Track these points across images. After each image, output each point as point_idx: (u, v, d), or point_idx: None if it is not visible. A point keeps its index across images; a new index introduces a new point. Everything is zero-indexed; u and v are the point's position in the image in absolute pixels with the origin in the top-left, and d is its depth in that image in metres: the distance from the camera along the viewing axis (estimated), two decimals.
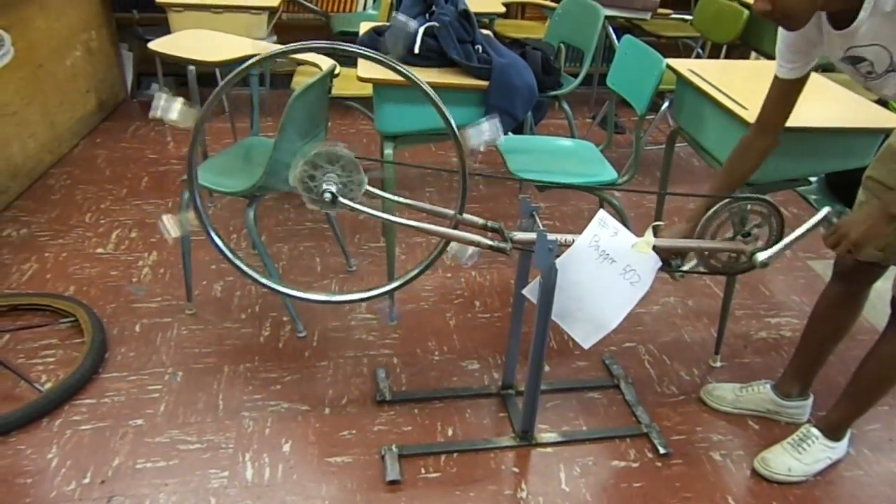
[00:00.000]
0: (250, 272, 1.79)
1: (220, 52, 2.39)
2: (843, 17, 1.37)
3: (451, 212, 1.68)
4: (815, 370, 1.95)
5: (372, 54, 1.53)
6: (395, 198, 1.78)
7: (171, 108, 1.53)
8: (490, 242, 1.62)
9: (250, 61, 1.51)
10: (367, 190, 1.60)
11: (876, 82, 1.42)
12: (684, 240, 1.73)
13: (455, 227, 1.67)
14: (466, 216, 1.67)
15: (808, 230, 1.62)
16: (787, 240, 1.64)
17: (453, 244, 1.70)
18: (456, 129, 1.56)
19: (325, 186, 1.54)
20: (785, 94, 1.61)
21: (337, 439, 1.88)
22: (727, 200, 1.68)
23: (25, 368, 2.04)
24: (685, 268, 1.77)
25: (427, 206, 1.75)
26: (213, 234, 1.74)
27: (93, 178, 3.19)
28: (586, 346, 1.64)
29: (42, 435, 1.83)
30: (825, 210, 1.59)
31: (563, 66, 2.97)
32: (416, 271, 1.78)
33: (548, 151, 2.53)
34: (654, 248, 1.62)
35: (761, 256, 1.66)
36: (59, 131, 3.33)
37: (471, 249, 1.70)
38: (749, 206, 1.71)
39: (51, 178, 3.17)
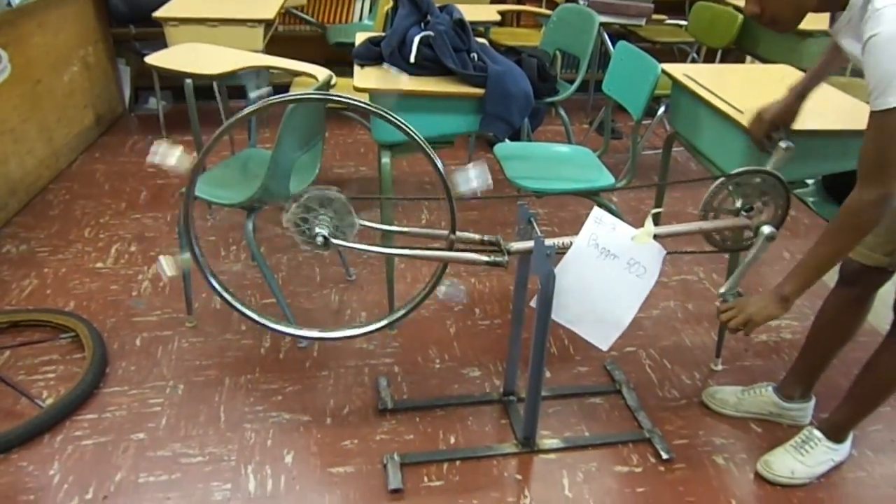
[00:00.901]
0: (250, 313, 1.82)
1: (217, 65, 2.40)
2: (833, 18, 1.43)
3: (446, 232, 1.69)
4: (818, 373, 1.95)
5: (364, 105, 1.56)
6: (390, 228, 1.81)
7: (170, 154, 1.56)
8: (486, 259, 1.63)
9: (248, 109, 1.55)
10: (361, 225, 1.62)
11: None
12: (687, 224, 1.72)
13: (451, 248, 1.68)
14: (462, 234, 1.68)
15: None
16: (740, 269, 1.69)
17: (441, 288, 1.72)
18: (443, 171, 1.58)
19: (316, 230, 1.57)
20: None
21: (339, 449, 1.87)
22: (724, 178, 1.68)
23: (26, 385, 2.04)
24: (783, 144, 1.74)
25: (421, 230, 1.78)
26: (211, 279, 1.77)
27: (92, 192, 3.20)
28: (605, 347, 1.64)
29: (44, 451, 1.83)
30: (725, 289, 1.67)
31: (559, 73, 2.98)
32: (416, 301, 1.80)
33: (545, 158, 2.54)
34: (656, 238, 1.60)
35: (767, 230, 1.65)
36: (57, 147, 3.34)
37: (462, 287, 1.73)
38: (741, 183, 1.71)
39: (49, 193, 3.17)
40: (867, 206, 1.38)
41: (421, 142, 1.56)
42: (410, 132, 1.55)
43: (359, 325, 1.86)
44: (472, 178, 1.56)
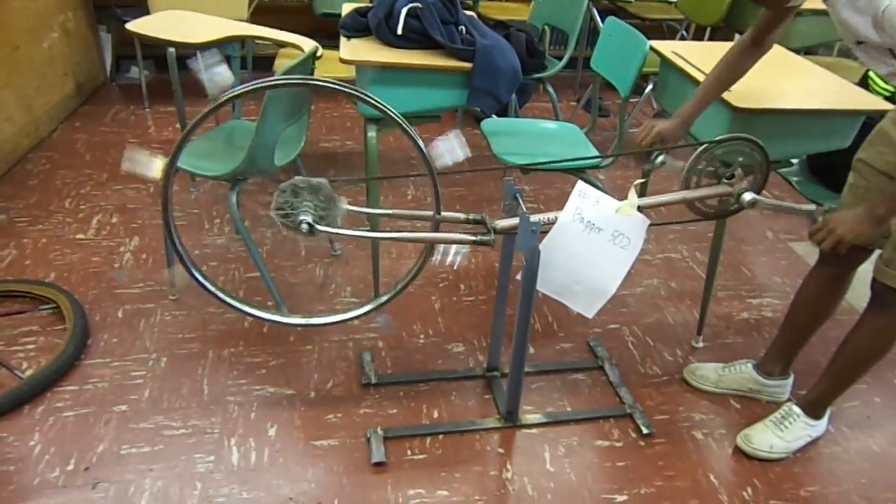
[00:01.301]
0: (239, 305, 1.84)
1: (201, 33, 2.35)
2: None
3: (430, 213, 1.68)
4: (797, 350, 1.98)
5: (346, 88, 1.54)
6: (375, 211, 1.80)
7: (149, 166, 1.56)
8: (473, 238, 1.63)
9: (222, 99, 1.53)
10: (347, 209, 1.62)
11: (862, 49, 1.47)
12: (670, 193, 1.73)
13: (436, 228, 1.68)
14: (447, 214, 1.67)
15: (792, 209, 1.67)
16: (775, 203, 1.70)
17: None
18: (425, 150, 1.58)
19: (300, 217, 1.57)
20: (778, 18, 1.65)
21: (322, 423, 1.88)
22: (705, 146, 1.69)
23: (6, 356, 2.02)
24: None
25: (406, 212, 1.77)
26: (198, 275, 1.79)
27: (72, 162, 3.14)
28: (590, 315, 1.66)
29: (24, 422, 1.82)
30: (812, 207, 1.65)
31: (547, 49, 2.96)
32: (404, 282, 1.80)
33: (532, 134, 2.53)
34: (640, 209, 1.61)
35: (748, 196, 1.68)
36: (36, 115, 3.27)
37: (454, 250, 1.73)
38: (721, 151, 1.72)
39: (29, 162, 3.12)
40: None
41: (401, 121, 1.55)
42: (390, 112, 1.54)
43: (342, 310, 1.86)
44: (443, 152, 1.56)
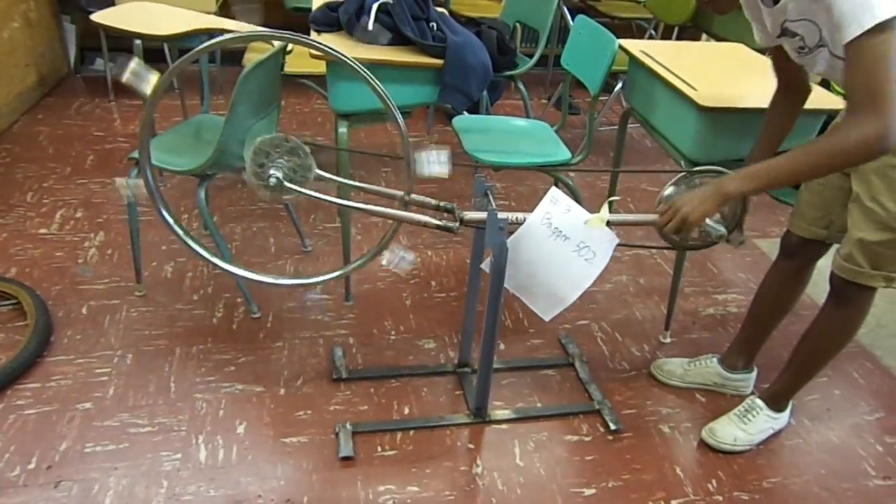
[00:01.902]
0: (198, 248, 1.77)
1: (168, 25, 2.31)
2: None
3: (401, 193, 1.68)
4: (760, 344, 2.02)
5: (349, 60, 1.53)
6: (346, 181, 1.77)
7: (146, 80, 1.51)
8: (437, 222, 1.62)
9: (223, 38, 1.49)
10: (318, 174, 1.59)
11: (808, 57, 1.47)
12: (643, 214, 1.70)
13: (405, 208, 1.67)
14: (417, 197, 1.67)
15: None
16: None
17: (386, 254, 1.71)
18: (405, 132, 1.56)
19: (271, 171, 1.54)
20: (780, 53, 1.61)
21: (292, 419, 1.87)
22: (684, 174, 1.69)
23: None
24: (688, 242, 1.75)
25: (376, 188, 1.75)
26: (162, 210, 1.71)
27: (34, 156, 3.07)
28: (546, 318, 1.66)
29: None
30: (668, 191, 1.62)
31: (518, 47, 2.97)
32: (365, 258, 1.78)
33: (503, 131, 2.54)
34: (610, 225, 1.60)
35: (718, 230, 1.65)
36: None
37: (409, 257, 1.72)
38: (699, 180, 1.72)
39: None
40: (865, 140, 1.29)
41: (390, 103, 1.54)
42: (384, 95, 1.53)
43: (312, 274, 1.84)
44: (432, 161, 1.56)
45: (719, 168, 1.69)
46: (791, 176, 1.45)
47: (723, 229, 1.65)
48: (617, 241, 1.61)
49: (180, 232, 1.74)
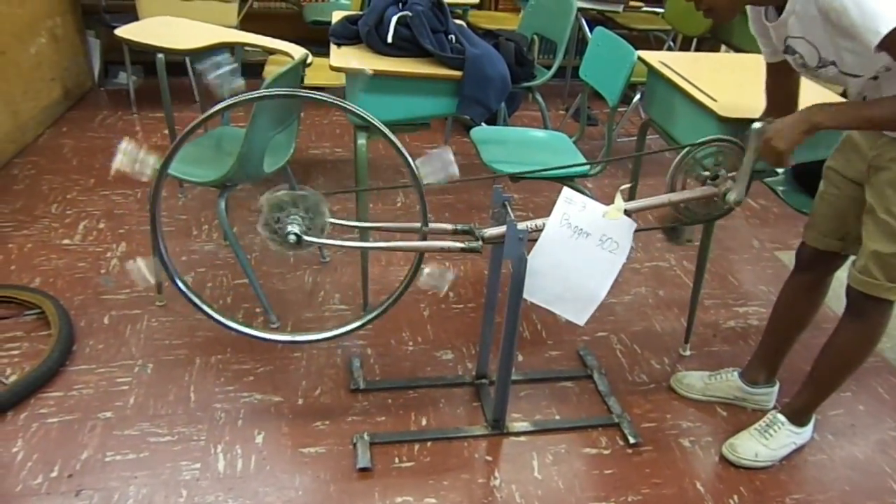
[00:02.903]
0: (223, 319, 1.84)
1: (190, 39, 2.35)
2: (778, 9, 1.44)
3: (418, 225, 1.69)
4: (781, 358, 2.00)
5: (337, 102, 1.57)
6: (362, 224, 1.82)
7: (145, 163, 1.56)
8: (461, 245, 1.64)
9: (215, 108, 1.54)
10: (333, 222, 1.62)
11: (811, 74, 1.48)
12: (656, 196, 1.72)
13: (424, 239, 1.68)
14: (435, 225, 1.68)
15: (754, 154, 1.60)
16: (742, 170, 1.65)
17: (425, 274, 1.71)
18: (409, 158, 1.60)
19: (288, 228, 1.57)
20: (778, 74, 1.63)
21: (310, 430, 1.87)
22: (687, 149, 1.70)
23: None
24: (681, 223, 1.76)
25: (393, 225, 1.78)
26: (179, 282, 1.79)
27: (59, 168, 3.12)
28: (581, 322, 1.66)
29: (7, 428, 1.80)
30: (756, 125, 1.57)
31: (536, 58, 2.98)
32: (395, 295, 1.81)
33: (521, 143, 2.54)
34: (627, 213, 1.62)
35: (732, 196, 1.67)
36: (22, 120, 3.25)
37: (448, 275, 1.73)
38: (705, 152, 1.71)
39: (14, 167, 3.09)
40: None
41: (388, 134, 1.57)
42: (375, 123, 1.56)
43: (331, 328, 1.87)
44: (437, 168, 1.57)
45: (721, 136, 1.69)
46: (872, 122, 1.44)
47: (737, 194, 1.65)
48: (635, 225, 1.62)
49: (205, 307, 1.82)
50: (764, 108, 1.72)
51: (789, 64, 1.56)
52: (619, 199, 1.62)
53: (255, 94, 1.58)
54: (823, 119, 1.44)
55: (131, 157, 1.53)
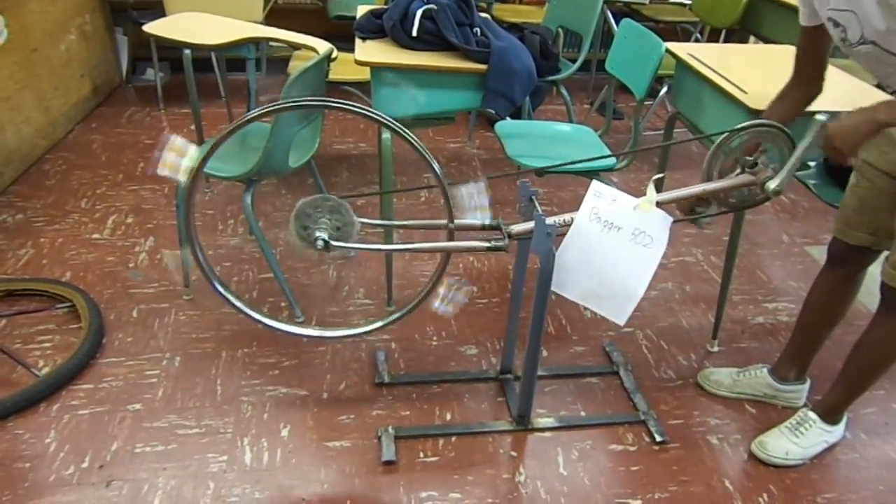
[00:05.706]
0: (254, 314, 1.87)
1: (217, 35, 2.36)
2: None
3: (444, 222, 1.68)
4: (812, 354, 1.96)
5: (365, 110, 1.60)
6: (389, 223, 1.83)
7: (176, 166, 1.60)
8: (487, 244, 1.62)
9: (249, 116, 1.57)
10: (362, 222, 1.63)
11: (851, 50, 1.43)
12: (690, 187, 1.66)
13: (451, 237, 1.68)
14: (461, 221, 1.67)
15: (810, 143, 1.55)
16: (791, 159, 1.59)
17: (439, 290, 1.72)
18: (437, 170, 1.60)
19: (316, 234, 1.58)
20: (811, 41, 1.59)
21: (335, 424, 1.88)
22: (726, 135, 1.63)
23: (22, 353, 2.04)
24: (710, 212, 1.72)
25: (420, 222, 1.78)
26: (214, 282, 1.82)
27: (88, 163, 3.17)
28: (621, 321, 1.59)
29: (40, 420, 1.83)
30: (821, 118, 1.53)
31: (561, 51, 2.95)
32: (416, 301, 1.80)
33: (546, 136, 2.52)
34: (660, 205, 1.56)
35: (772, 184, 1.60)
36: (53, 116, 3.30)
37: (463, 290, 1.73)
38: (745, 138, 1.66)
39: (46, 163, 3.15)
40: None
41: (410, 137, 1.57)
42: (394, 127, 1.56)
43: (356, 325, 1.89)
44: (472, 197, 1.58)
45: (760, 121, 1.63)
46: None
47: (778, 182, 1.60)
48: (671, 219, 1.56)
49: (241, 305, 1.85)
50: (791, 75, 1.67)
51: (824, 29, 1.51)
52: (650, 191, 1.56)
53: (276, 105, 1.61)
54: (888, 116, 1.38)
55: (180, 150, 1.56)
